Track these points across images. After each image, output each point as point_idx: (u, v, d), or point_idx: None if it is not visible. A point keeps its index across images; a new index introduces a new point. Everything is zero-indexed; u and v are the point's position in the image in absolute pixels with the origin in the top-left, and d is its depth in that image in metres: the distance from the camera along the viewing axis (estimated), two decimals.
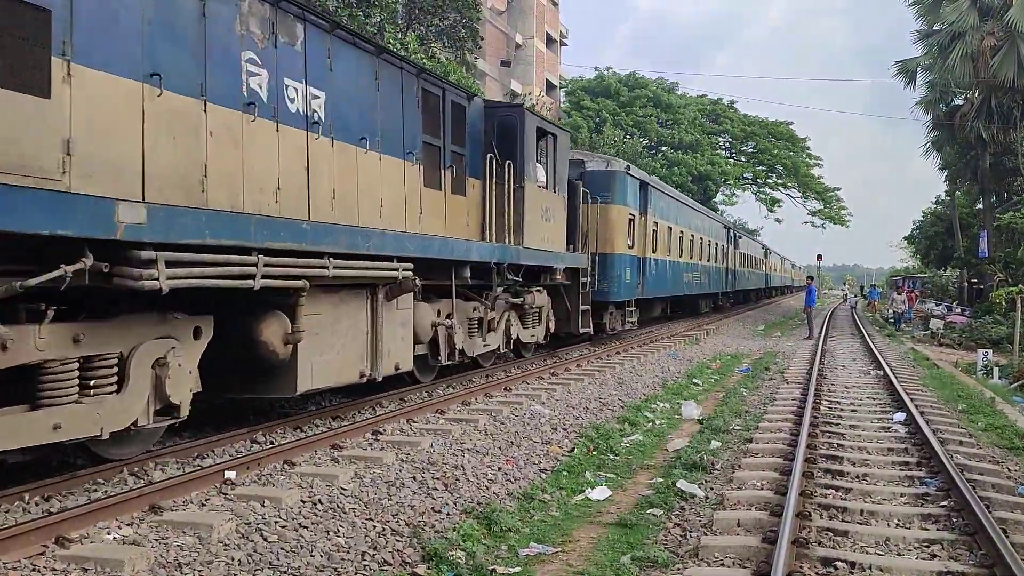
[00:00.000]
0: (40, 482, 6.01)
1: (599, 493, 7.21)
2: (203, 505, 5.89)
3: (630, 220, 18.65)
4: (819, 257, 70.29)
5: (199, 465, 6.89)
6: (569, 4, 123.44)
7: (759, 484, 7.26)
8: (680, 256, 24.79)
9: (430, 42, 20.09)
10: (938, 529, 6.15)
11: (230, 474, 6.48)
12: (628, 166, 18.59)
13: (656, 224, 21.29)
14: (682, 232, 25.05)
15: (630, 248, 18.66)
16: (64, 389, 5.51)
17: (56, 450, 6.33)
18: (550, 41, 47.96)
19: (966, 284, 41.69)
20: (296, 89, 7.49)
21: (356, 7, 17.62)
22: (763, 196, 57.03)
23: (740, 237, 40.69)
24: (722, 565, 5.43)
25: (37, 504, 5.69)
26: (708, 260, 30.03)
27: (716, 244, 32.03)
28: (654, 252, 20.95)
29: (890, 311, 35.34)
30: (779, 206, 58.18)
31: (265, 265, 6.49)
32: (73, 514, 5.25)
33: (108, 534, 5.19)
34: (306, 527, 5.57)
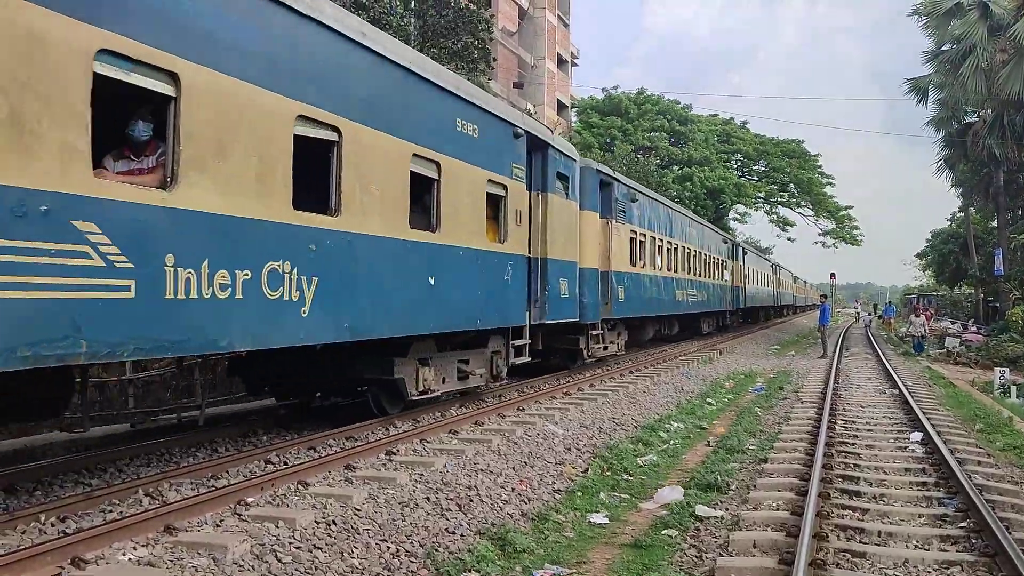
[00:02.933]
0: (56, 502, 6.04)
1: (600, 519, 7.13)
2: (218, 526, 5.89)
3: None
4: (832, 276, 69.85)
5: (213, 486, 6.90)
6: (582, 25, 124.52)
7: (775, 504, 7.21)
8: None
9: (443, 63, 20.22)
10: (957, 551, 6.08)
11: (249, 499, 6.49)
12: None
13: None
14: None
15: None
16: None
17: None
18: (561, 62, 48.25)
19: (981, 301, 41.40)
20: None
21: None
22: (775, 216, 56.76)
23: (634, 195, 18.94)
24: None
25: (53, 525, 5.71)
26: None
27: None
28: None
29: (907, 332, 33.55)
30: (791, 226, 57.89)
31: None
32: (89, 535, 5.26)
33: (123, 555, 5.20)
34: (320, 548, 5.56)
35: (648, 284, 20.24)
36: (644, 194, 20.41)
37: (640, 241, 19.33)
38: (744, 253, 38.57)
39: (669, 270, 22.30)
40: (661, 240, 21.60)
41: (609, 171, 17.29)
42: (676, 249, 23.49)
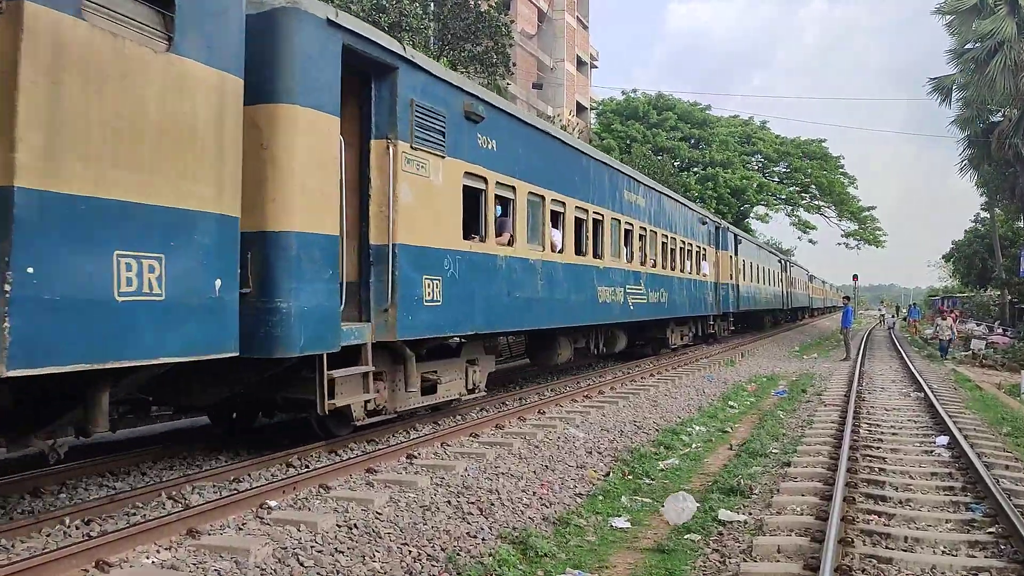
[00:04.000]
0: (81, 505, 6.08)
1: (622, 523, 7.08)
2: (240, 529, 5.91)
3: None
4: (855, 278, 69.13)
5: (235, 489, 6.93)
6: (604, 26, 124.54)
7: (799, 509, 7.13)
8: None
9: (462, 67, 20.29)
10: (986, 557, 5.98)
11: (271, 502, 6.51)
12: None
13: None
14: None
15: None
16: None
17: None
18: (580, 64, 48.18)
19: (1008, 304, 40.87)
20: None
21: (388, 32, 17.85)
22: (796, 218, 56.30)
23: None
24: None
25: (77, 528, 5.76)
26: None
27: None
28: None
29: (933, 335, 32.10)
30: (812, 229, 57.38)
31: None
32: (113, 538, 5.29)
33: (147, 558, 5.23)
34: (342, 552, 5.56)
35: (522, 275, 11.48)
36: (512, 116, 11.60)
37: (501, 197, 11.13)
38: (737, 241, 30.03)
39: (583, 254, 14.06)
40: (561, 203, 12.94)
41: (379, 38, 8.47)
42: (600, 222, 14.93)
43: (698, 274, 23.16)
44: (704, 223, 24.64)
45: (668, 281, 19.75)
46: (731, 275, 28.04)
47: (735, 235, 30.03)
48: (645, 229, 17.98)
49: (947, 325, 28.70)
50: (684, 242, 21.77)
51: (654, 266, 18.49)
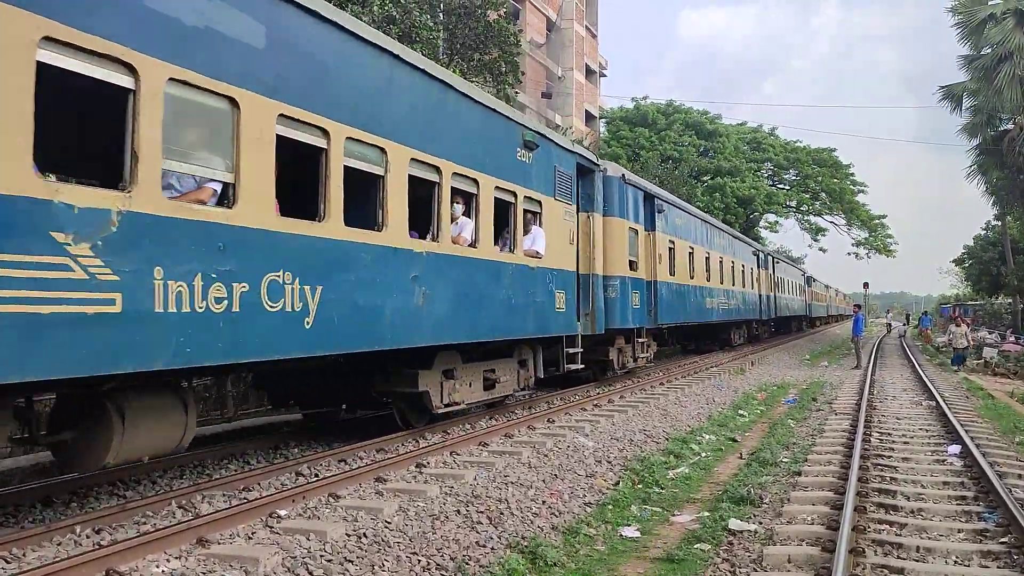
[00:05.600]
0: (91, 513, 6.10)
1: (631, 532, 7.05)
2: (249, 538, 5.92)
3: None
4: (865, 285, 68.76)
5: (245, 498, 6.95)
6: (616, 35, 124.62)
7: (810, 518, 7.09)
8: None
9: (471, 76, 20.35)
10: (999, 567, 5.93)
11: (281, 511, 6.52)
12: None
13: None
14: None
15: None
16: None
17: None
18: (589, 72, 48.25)
19: (1021, 311, 40.62)
20: None
21: (398, 41, 17.90)
22: (807, 223, 56.17)
23: None
24: None
25: (88, 536, 5.78)
26: None
27: None
28: None
29: (947, 343, 30.53)
30: (824, 234, 57.27)
31: None
32: (123, 547, 5.31)
33: (157, 567, 5.24)
34: (351, 561, 5.56)
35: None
36: None
37: None
38: (655, 208, 18.27)
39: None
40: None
41: None
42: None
43: (512, 252, 11.50)
44: (532, 148, 11.87)
45: (375, 258, 8.17)
46: (639, 263, 17.12)
47: (647, 194, 17.93)
48: (240, 108, 6.36)
49: (962, 332, 27.35)
50: (447, 171, 9.56)
51: (319, 219, 7.39)
